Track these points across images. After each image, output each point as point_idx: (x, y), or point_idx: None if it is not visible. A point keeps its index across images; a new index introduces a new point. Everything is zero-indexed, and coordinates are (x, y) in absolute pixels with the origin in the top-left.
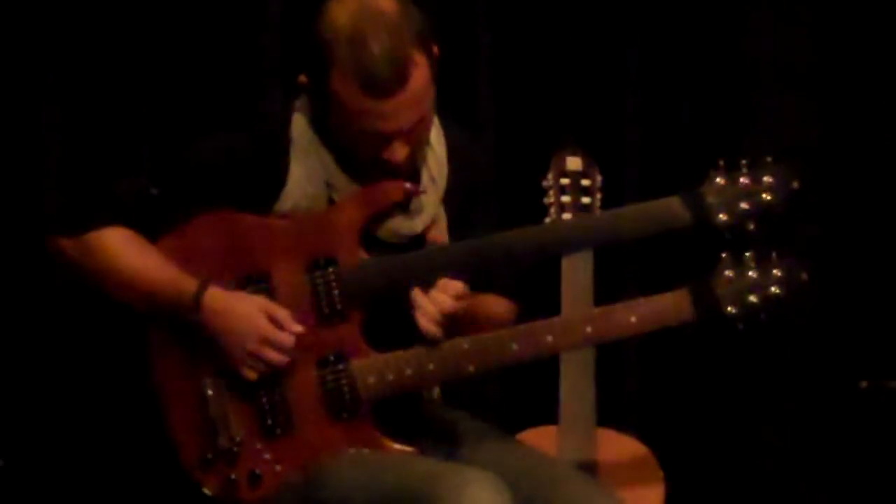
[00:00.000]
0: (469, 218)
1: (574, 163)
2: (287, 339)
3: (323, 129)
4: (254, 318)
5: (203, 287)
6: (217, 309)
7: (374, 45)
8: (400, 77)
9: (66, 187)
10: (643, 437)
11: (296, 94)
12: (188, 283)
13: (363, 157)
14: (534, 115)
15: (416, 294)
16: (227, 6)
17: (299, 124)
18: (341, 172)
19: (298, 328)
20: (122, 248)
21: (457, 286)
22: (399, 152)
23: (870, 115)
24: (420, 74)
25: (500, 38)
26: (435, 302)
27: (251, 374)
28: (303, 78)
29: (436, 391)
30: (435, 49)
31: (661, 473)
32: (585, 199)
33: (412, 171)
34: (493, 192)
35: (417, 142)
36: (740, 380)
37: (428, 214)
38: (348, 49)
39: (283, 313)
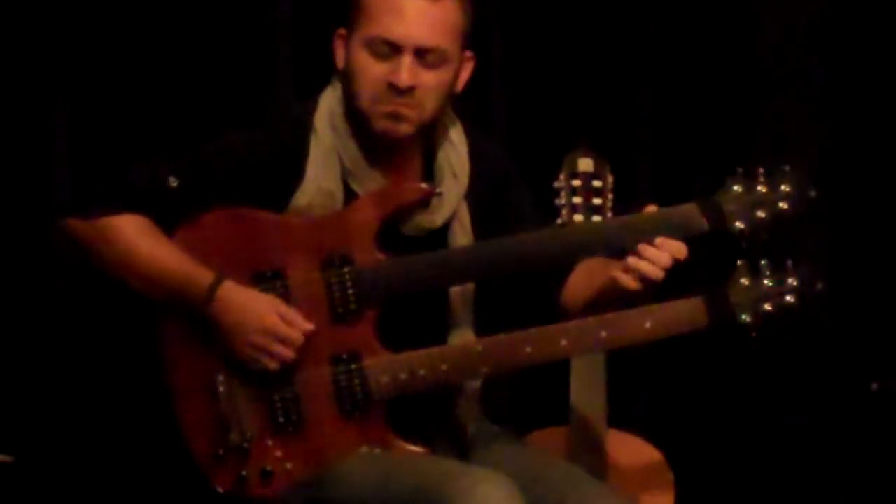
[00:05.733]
0: (498, 218)
1: (586, 164)
2: (293, 334)
3: (348, 104)
4: (263, 312)
5: (219, 280)
6: (230, 303)
7: None
8: None
9: (81, 173)
10: (653, 439)
11: (318, 91)
12: (204, 275)
13: (371, 87)
14: (545, 115)
15: (630, 257)
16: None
17: (324, 112)
18: (364, 159)
19: (308, 326)
20: (137, 235)
21: (678, 245)
22: (405, 72)
23: (880, 119)
24: (451, 8)
25: (512, 39)
26: (652, 259)
27: (257, 368)
28: (341, 31)
29: (476, 384)
30: (469, 54)
31: (671, 475)
32: (597, 200)
33: (426, 160)
34: (523, 184)
35: (425, 89)
36: (750, 382)
37: (448, 209)
38: None
39: (293, 312)
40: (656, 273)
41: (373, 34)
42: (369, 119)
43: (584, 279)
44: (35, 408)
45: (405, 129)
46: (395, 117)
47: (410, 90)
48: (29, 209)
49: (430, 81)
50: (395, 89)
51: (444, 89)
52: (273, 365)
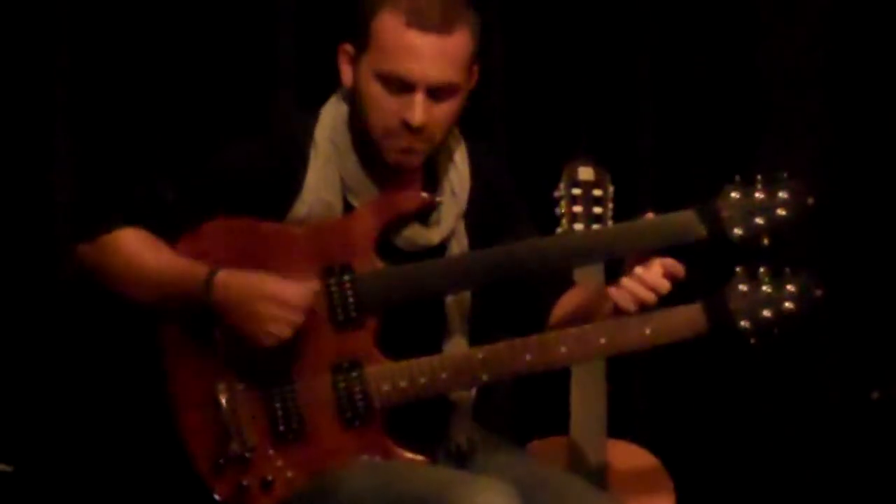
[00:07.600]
0: (495, 236)
1: (586, 173)
2: (297, 294)
3: (354, 122)
4: (262, 280)
5: (214, 270)
6: (229, 284)
7: None
8: (445, 21)
9: (82, 195)
10: (653, 448)
11: (320, 103)
12: (200, 270)
13: (383, 120)
14: (546, 124)
15: (630, 272)
16: (242, 12)
17: (326, 126)
18: (364, 175)
19: (311, 284)
20: (137, 246)
21: (675, 266)
22: (419, 111)
23: (882, 124)
24: (463, 40)
25: (513, 47)
26: (650, 285)
27: (271, 340)
28: (347, 46)
29: (468, 399)
30: (476, 68)
31: (671, 484)
32: (597, 210)
33: (428, 177)
34: (523, 206)
35: (437, 123)
36: (750, 390)
37: (446, 227)
38: None
39: (290, 282)
40: (650, 298)
41: (386, 69)
42: (381, 151)
43: (574, 303)
44: (36, 417)
45: (417, 161)
46: (408, 152)
47: (423, 128)
48: (30, 213)
49: (442, 115)
50: (408, 127)
51: (455, 116)
52: (286, 332)
